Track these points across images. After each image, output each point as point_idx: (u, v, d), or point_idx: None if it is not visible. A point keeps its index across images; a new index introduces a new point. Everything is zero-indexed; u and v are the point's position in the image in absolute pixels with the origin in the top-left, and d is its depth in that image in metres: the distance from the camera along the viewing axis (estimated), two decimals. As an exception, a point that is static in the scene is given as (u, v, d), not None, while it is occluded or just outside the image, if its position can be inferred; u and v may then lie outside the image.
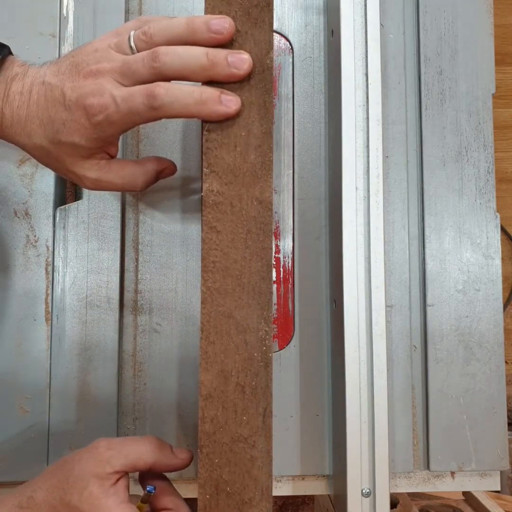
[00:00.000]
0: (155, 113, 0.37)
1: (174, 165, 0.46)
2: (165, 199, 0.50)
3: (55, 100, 0.38)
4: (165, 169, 0.45)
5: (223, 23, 0.37)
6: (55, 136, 0.38)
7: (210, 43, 0.37)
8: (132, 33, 0.38)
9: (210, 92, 0.37)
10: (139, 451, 0.39)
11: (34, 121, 0.39)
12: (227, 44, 0.38)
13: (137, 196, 0.51)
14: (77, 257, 0.49)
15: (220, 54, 0.37)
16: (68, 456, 0.40)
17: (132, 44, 0.38)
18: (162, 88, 0.36)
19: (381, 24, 0.47)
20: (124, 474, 0.39)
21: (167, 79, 0.37)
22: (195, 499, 0.39)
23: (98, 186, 0.41)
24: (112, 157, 0.42)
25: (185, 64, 0.37)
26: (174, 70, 0.37)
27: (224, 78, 0.38)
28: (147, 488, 0.40)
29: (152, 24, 0.38)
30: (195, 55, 0.37)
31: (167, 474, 0.42)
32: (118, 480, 0.38)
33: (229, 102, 0.37)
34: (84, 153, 0.39)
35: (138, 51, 0.38)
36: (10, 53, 0.40)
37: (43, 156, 0.40)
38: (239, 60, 0.37)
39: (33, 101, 0.38)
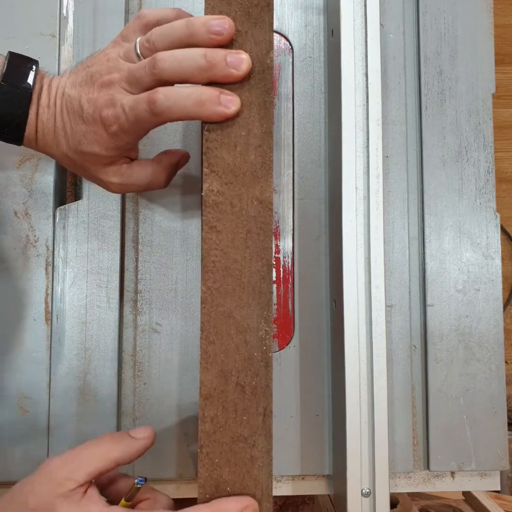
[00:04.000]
0: (158, 118, 0.38)
1: (187, 153, 0.47)
2: (165, 199, 0.50)
3: (75, 113, 0.39)
4: (180, 160, 0.46)
5: (222, 24, 0.37)
6: (78, 146, 0.40)
7: (210, 44, 0.37)
8: (138, 40, 0.39)
9: (210, 93, 0.37)
10: (99, 454, 0.37)
11: (60, 133, 0.40)
12: (227, 44, 0.38)
13: (137, 196, 0.51)
14: (77, 257, 0.49)
15: (219, 54, 0.37)
16: (12, 491, 0.36)
17: (138, 51, 0.39)
18: (160, 93, 0.37)
19: (381, 24, 0.47)
20: (90, 484, 0.36)
21: (169, 83, 0.38)
22: (195, 499, 0.39)
23: (124, 189, 0.43)
24: (133, 160, 0.43)
25: (183, 67, 0.37)
26: (173, 74, 0.37)
27: (222, 78, 0.37)
28: (137, 480, 0.38)
29: (154, 30, 0.39)
30: (193, 57, 0.37)
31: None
32: (86, 491, 0.36)
33: (229, 102, 0.37)
34: (105, 161, 0.41)
35: (144, 58, 0.39)
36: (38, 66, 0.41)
37: (71, 164, 0.42)
38: (238, 60, 0.37)
39: (58, 113, 0.40)
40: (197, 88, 0.38)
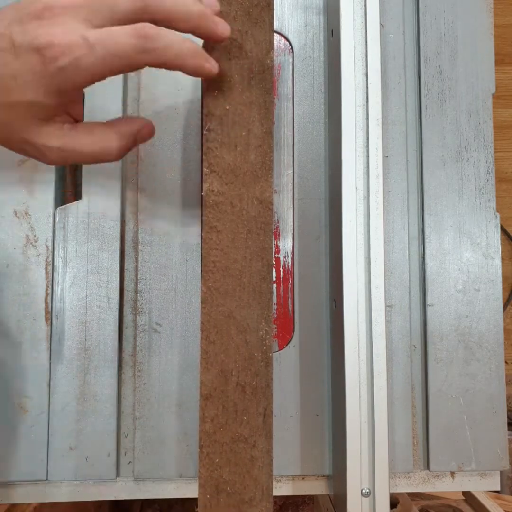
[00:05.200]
0: (143, 57, 0.32)
1: (152, 125, 0.38)
2: (165, 199, 0.50)
3: (0, 52, 0.31)
4: (143, 129, 0.37)
5: None
6: (5, 97, 0.32)
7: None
8: None
9: (200, 48, 0.34)
10: None
11: None
12: (227, 44, 0.38)
13: (137, 195, 0.51)
14: (77, 257, 0.49)
15: (209, 11, 0.34)
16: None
17: None
18: (155, 30, 0.31)
19: (381, 24, 0.48)
20: None
21: (152, 19, 0.33)
22: (195, 499, 0.39)
23: (63, 157, 0.34)
24: (77, 120, 0.35)
25: (176, 4, 0.33)
26: (164, 9, 0.32)
27: (207, 33, 0.35)
28: None
29: None
30: (190, 0, 0.33)
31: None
32: None
33: (212, 61, 0.35)
34: (41, 113, 0.32)
35: None
36: None
37: None
38: (224, 26, 0.35)
39: None
40: (189, 39, 0.34)
